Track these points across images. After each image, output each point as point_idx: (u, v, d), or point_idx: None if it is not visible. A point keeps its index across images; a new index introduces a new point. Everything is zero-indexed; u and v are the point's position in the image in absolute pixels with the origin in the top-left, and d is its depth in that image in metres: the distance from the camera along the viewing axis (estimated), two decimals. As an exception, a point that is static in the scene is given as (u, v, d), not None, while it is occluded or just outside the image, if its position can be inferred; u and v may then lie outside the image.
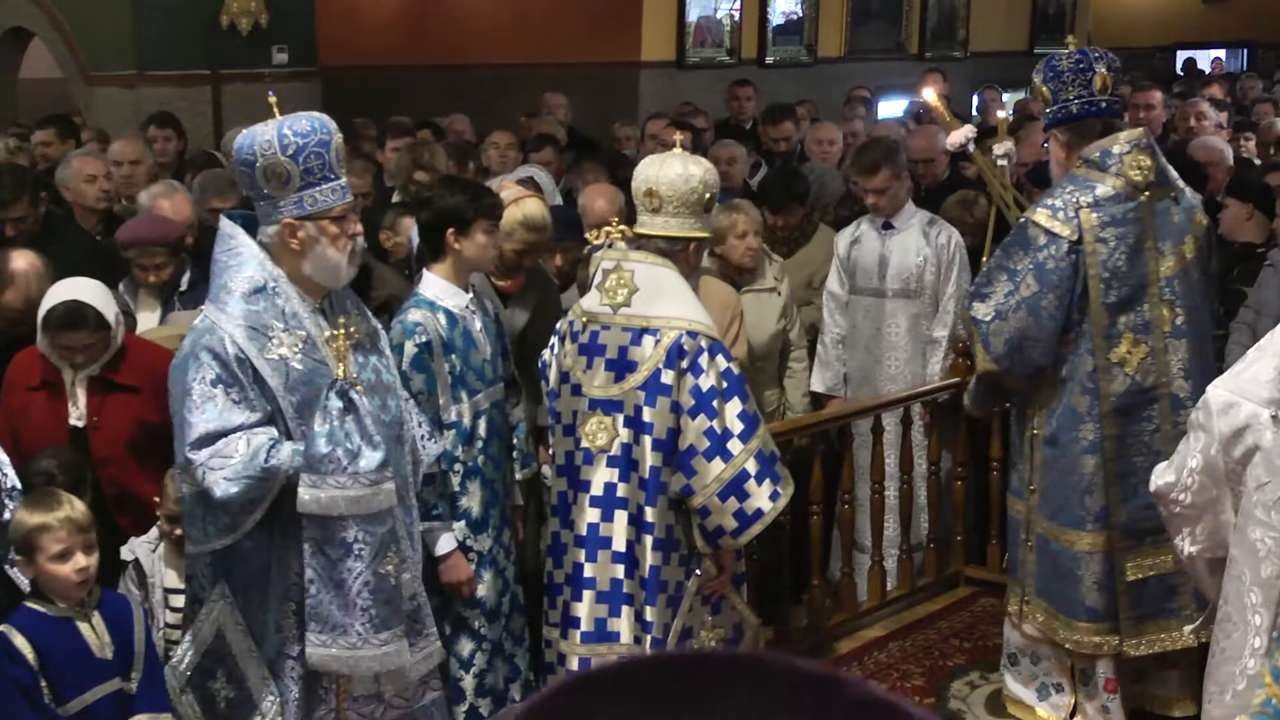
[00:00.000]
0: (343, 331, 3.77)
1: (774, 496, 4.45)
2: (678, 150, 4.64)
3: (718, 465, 4.40)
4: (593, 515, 4.56)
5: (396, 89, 11.70)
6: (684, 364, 4.42)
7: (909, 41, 14.53)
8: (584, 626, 4.57)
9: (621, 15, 12.23)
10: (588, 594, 4.56)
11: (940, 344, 6.41)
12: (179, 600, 4.52)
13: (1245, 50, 20.16)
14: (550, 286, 5.56)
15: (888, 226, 6.52)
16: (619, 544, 4.53)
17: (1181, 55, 19.65)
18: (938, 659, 5.87)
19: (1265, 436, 3.45)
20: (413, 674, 4.09)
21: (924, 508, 6.47)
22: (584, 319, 4.62)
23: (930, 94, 6.65)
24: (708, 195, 4.55)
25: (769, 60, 13.20)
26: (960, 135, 6.07)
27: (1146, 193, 4.78)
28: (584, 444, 4.57)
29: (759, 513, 4.44)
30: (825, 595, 6.14)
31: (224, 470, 3.72)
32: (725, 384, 4.42)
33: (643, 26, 12.28)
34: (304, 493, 3.71)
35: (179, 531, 4.49)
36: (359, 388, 3.80)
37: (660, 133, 9.00)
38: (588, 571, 4.56)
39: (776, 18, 13.43)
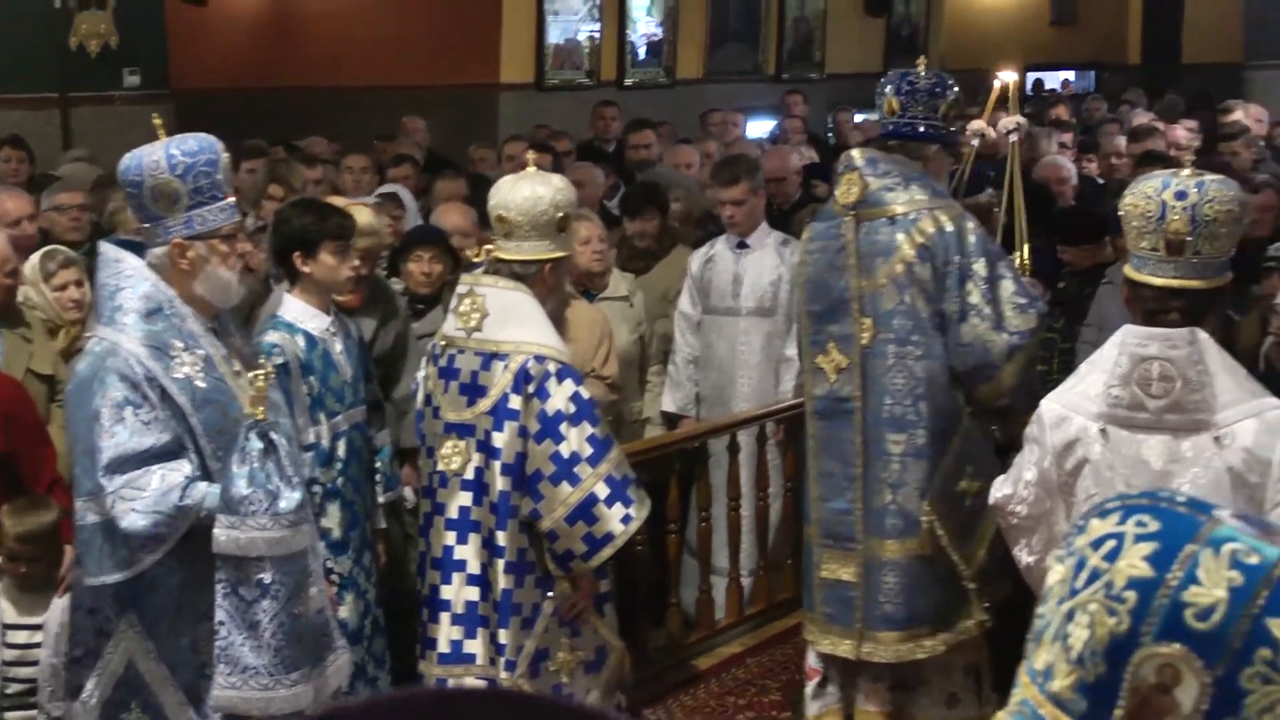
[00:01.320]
0: (263, 372, 3.73)
1: (625, 520, 4.48)
2: (529, 171, 4.64)
3: (565, 489, 4.42)
4: (448, 538, 4.58)
5: (252, 112, 11.56)
6: (530, 389, 4.44)
7: (766, 63, 14.73)
8: (440, 648, 4.59)
9: (480, 37, 12.24)
10: (444, 615, 4.58)
11: (794, 362, 6.45)
12: (18, 636, 4.43)
13: (1093, 72, 20.67)
14: (393, 299, 5.56)
15: (742, 245, 6.59)
16: (473, 567, 4.55)
17: (1032, 76, 20.11)
18: (794, 673, 5.95)
19: (1094, 449, 3.57)
20: (327, 688, 4.04)
21: (781, 524, 6.56)
22: (443, 343, 4.64)
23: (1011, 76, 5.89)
24: (560, 215, 4.54)
25: (628, 82, 13.29)
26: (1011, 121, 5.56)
27: (852, 212, 4.94)
28: (440, 467, 4.60)
29: (609, 536, 4.47)
30: (683, 614, 6.19)
31: (135, 502, 3.68)
32: (574, 408, 4.44)
33: (501, 49, 12.30)
34: (221, 534, 3.66)
35: (24, 570, 4.41)
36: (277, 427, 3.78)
37: (518, 155, 9.02)
38: (444, 593, 4.58)
39: (638, 40, 13.53)
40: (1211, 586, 1.22)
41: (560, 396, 4.43)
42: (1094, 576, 1.27)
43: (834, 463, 5.00)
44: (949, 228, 4.88)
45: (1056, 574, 1.31)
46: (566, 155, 9.60)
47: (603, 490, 4.44)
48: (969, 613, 4.96)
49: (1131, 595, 1.24)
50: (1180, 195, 3.48)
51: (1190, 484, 3.45)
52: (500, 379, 4.48)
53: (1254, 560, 1.22)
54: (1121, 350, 3.56)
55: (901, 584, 4.93)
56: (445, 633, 4.58)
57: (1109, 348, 3.62)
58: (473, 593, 4.55)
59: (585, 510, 4.43)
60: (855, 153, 5.07)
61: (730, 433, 6.29)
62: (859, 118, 12.40)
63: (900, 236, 4.88)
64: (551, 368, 4.45)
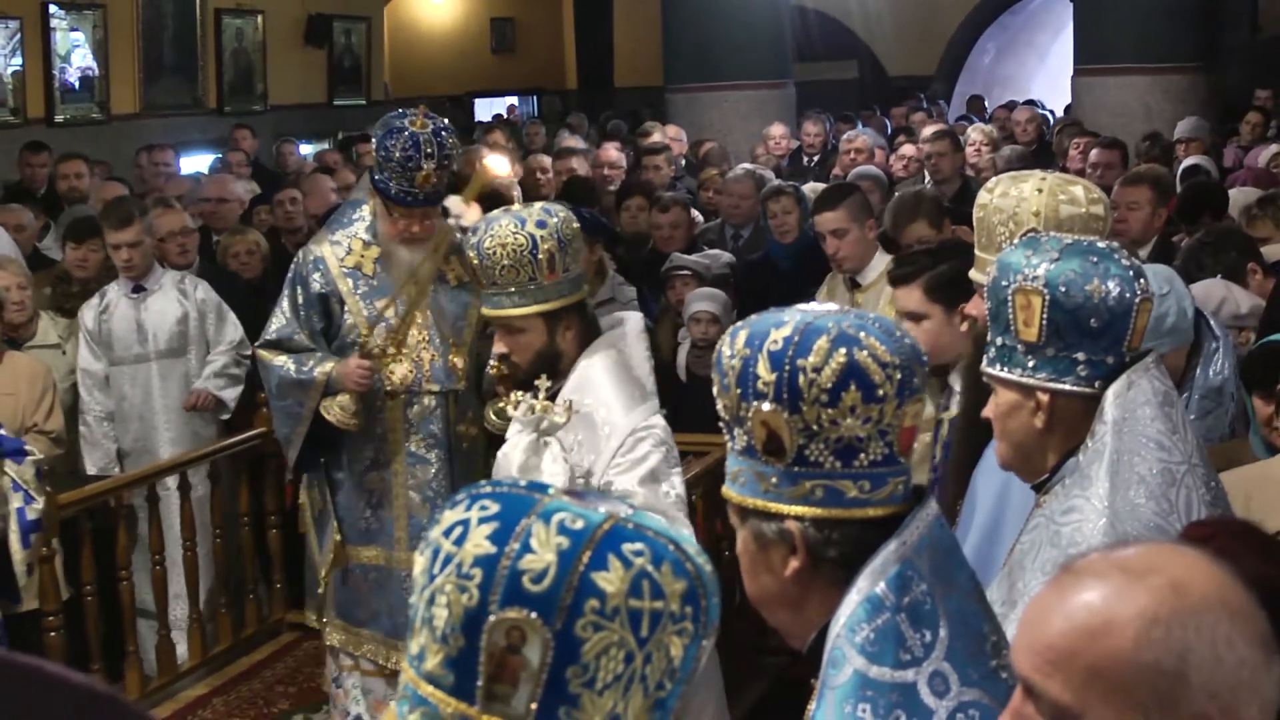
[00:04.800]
0: None
1: None
2: None
3: None
4: None
5: None
6: None
7: (207, 96, 14.42)
8: None
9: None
10: None
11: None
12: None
13: (535, 97, 21.49)
14: None
15: (139, 289, 6.40)
16: None
17: (479, 103, 20.68)
18: (262, 707, 5.91)
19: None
20: None
21: (239, 558, 6.49)
22: None
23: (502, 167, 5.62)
24: None
25: (59, 119, 12.69)
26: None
27: None
28: None
29: None
30: (140, 662, 6.00)
31: None
32: None
33: (-89, 86, 11.52)
34: None
35: None
36: None
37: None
38: None
39: (71, 75, 12.96)
40: (543, 552, 1.36)
41: None
42: (447, 561, 1.39)
43: None
44: None
45: (419, 565, 1.43)
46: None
47: None
48: (316, 605, 5.18)
49: (478, 571, 1.37)
50: (540, 225, 3.77)
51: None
52: None
53: (579, 525, 1.38)
54: None
55: None
56: None
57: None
58: None
59: None
60: None
61: (180, 472, 6.15)
62: (304, 148, 12.39)
63: None
64: None
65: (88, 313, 6.38)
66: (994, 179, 3.44)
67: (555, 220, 3.78)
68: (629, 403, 3.69)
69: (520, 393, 3.78)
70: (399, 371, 4.91)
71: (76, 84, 13.06)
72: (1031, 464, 2.62)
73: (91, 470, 6.29)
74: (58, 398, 5.97)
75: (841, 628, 1.83)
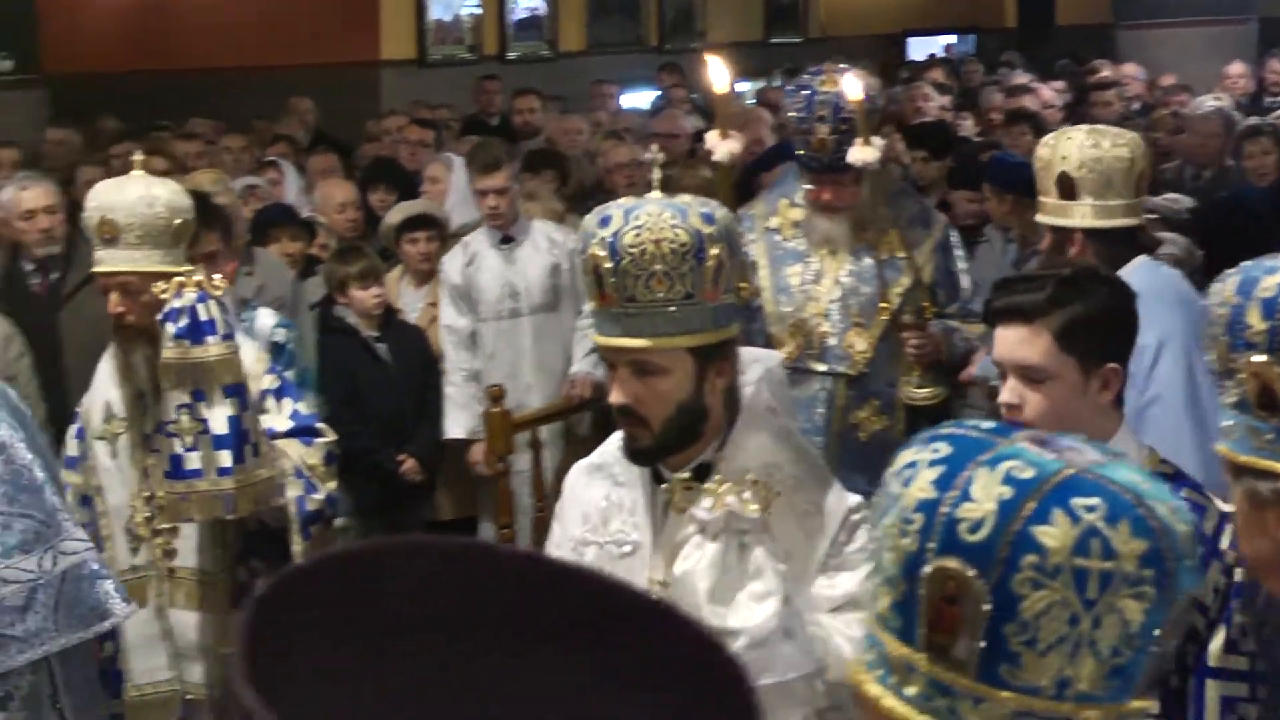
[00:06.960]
0: None
1: None
2: (137, 172, 3.85)
3: None
4: None
5: (131, 95, 11.38)
6: None
7: (648, 34, 14.79)
8: None
9: (359, 15, 12.17)
10: None
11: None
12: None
13: (974, 36, 20.99)
14: None
15: (507, 240, 5.95)
16: None
17: (913, 42, 20.36)
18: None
19: None
20: None
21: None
22: None
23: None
24: (177, 222, 3.77)
25: (511, 56, 13.30)
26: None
27: None
28: None
29: None
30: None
31: None
32: None
33: (381, 25, 12.24)
34: None
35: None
36: None
37: (399, 129, 9.06)
38: None
39: (519, 14, 13.55)
40: (983, 501, 1.30)
41: None
42: (894, 503, 1.36)
43: None
44: None
45: (875, 507, 1.40)
46: (451, 125, 9.63)
47: None
48: None
49: (919, 517, 1.32)
50: (707, 219, 2.69)
51: None
52: None
53: (1027, 475, 1.30)
54: None
55: None
56: None
57: None
58: None
59: None
60: None
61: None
62: (741, 86, 12.50)
63: None
64: None
65: (450, 265, 5.96)
66: (1051, 134, 4.08)
67: (723, 216, 2.72)
68: (823, 476, 2.80)
69: (679, 475, 2.72)
70: (788, 346, 4.52)
71: (527, 23, 13.63)
72: None
73: (458, 434, 5.85)
74: None
75: None
